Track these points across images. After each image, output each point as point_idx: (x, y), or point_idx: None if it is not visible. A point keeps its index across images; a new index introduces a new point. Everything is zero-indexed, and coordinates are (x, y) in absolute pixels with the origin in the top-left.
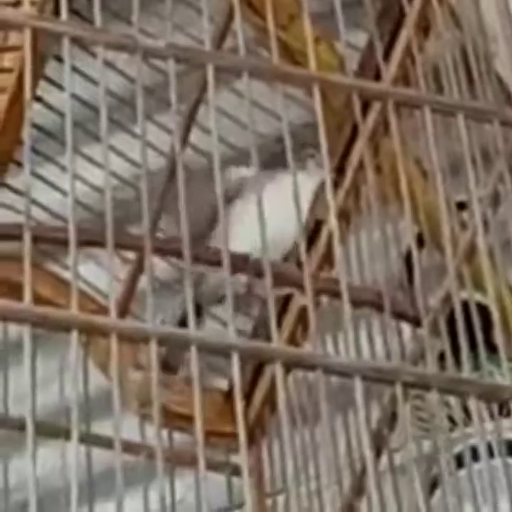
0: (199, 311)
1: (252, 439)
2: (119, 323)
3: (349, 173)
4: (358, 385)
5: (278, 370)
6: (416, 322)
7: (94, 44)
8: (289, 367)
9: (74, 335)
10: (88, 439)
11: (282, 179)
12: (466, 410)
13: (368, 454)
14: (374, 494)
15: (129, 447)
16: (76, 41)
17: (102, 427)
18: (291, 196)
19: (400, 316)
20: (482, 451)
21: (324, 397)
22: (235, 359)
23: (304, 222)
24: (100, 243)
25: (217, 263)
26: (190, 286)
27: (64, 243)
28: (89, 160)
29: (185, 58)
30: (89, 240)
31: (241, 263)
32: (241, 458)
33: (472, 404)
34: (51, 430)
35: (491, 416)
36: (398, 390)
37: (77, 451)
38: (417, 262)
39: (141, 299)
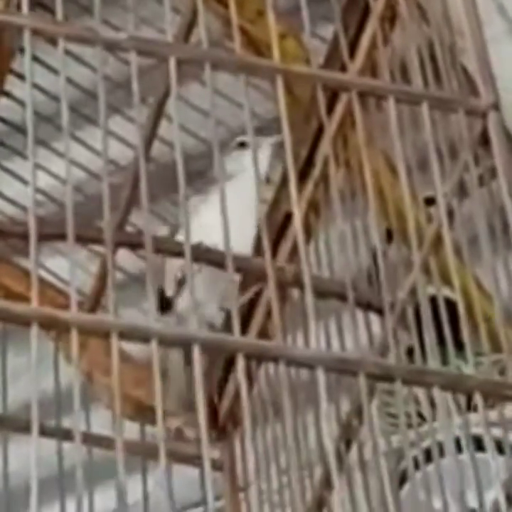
0: (168, 303)
1: (224, 433)
2: (80, 317)
3: (318, 165)
4: (321, 377)
5: (239, 361)
6: (382, 313)
7: (55, 36)
8: (251, 359)
9: (34, 329)
10: (58, 434)
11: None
12: (434, 406)
13: (330, 447)
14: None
15: (101, 441)
16: (37, 34)
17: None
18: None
19: (367, 307)
20: (448, 445)
21: (287, 390)
22: (196, 351)
23: (271, 214)
24: (64, 236)
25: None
26: (151, 278)
27: (25, 237)
28: (59, 153)
29: (147, 51)
30: (53, 234)
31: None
32: (203, 449)
33: (437, 395)
34: (20, 424)
35: (459, 410)
36: (362, 381)
37: (38, 445)
38: (381, 253)
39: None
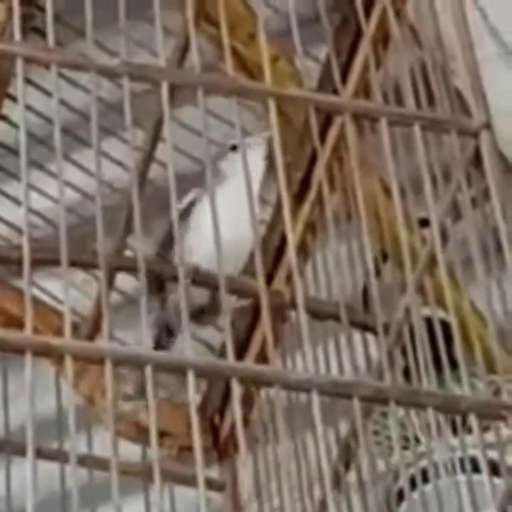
0: (169, 329)
1: (225, 454)
2: (74, 344)
3: (314, 187)
4: (316, 400)
5: (234, 386)
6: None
7: (48, 63)
8: (246, 383)
9: (28, 357)
10: (59, 456)
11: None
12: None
13: (326, 470)
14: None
15: (101, 463)
16: (30, 61)
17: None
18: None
19: (364, 328)
20: (441, 467)
21: (282, 414)
22: (191, 377)
23: (268, 236)
24: (59, 261)
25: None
26: (146, 304)
27: (20, 261)
28: (54, 175)
29: (139, 76)
30: (47, 259)
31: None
32: (197, 470)
33: (431, 416)
34: (20, 448)
35: (455, 432)
36: (356, 403)
37: (34, 468)
38: (374, 274)
39: (115, 317)
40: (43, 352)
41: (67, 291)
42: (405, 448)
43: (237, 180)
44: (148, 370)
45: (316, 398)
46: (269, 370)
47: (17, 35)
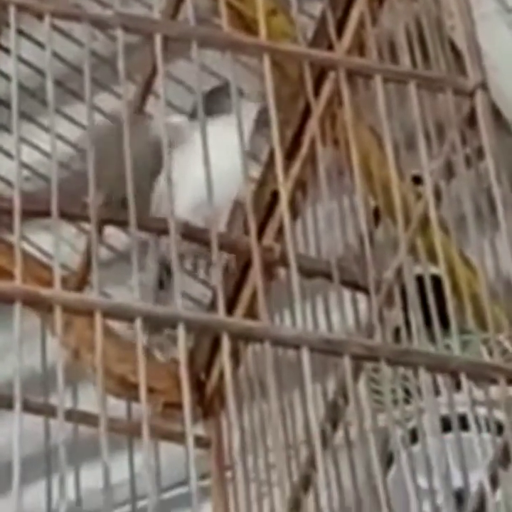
0: (169, 269)
1: (211, 411)
2: (64, 295)
3: (305, 144)
4: (306, 357)
5: (224, 342)
6: (369, 293)
7: (41, 12)
8: (236, 339)
9: (17, 306)
10: (45, 410)
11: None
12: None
13: (315, 430)
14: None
15: (87, 418)
16: (23, 9)
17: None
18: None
19: (354, 286)
20: (436, 425)
21: (272, 370)
22: (181, 330)
23: (258, 193)
24: (49, 213)
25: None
26: (136, 255)
27: (11, 213)
28: (44, 128)
29: (133, 28)
30: (38, 210)
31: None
32: (186, 428)
33: (422, 375)
34: (6, 401)
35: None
36: (346, 361)
37: (21, 422)
38: (367, 233)
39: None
40: (33, 302)
41: (58, 242)
42: (395, 403)
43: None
44: (138, 323)
45: (306, 355)
46: (260, 325)
47: None
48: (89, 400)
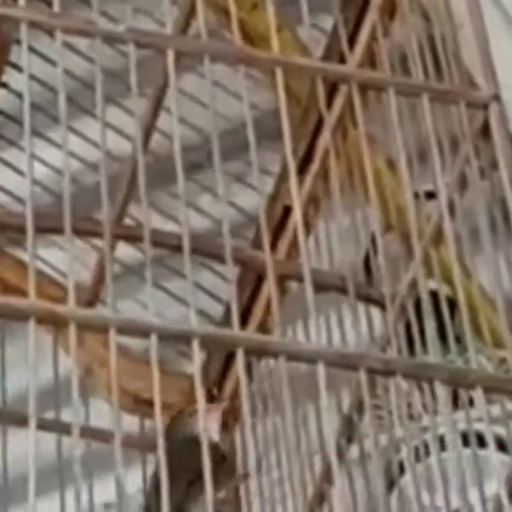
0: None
1: (224, 426)
2: (78, 312)
3: (317, 159)
4: (321, 371)
5: (239, 357)
6: (383, 306)
7: (53, 29)
8: (251, 354)
9: (31, 324)
10: (57, 427)
11: None
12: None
13: (331, 444)
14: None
15: (99, 434)
16: (34, 26)
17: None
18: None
19: (367, 300)
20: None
21: (287, 386)
22: (196, 346)
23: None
24: (62, 230)
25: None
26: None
27: (22, 230)
28: (54, 143)
29: (145, 43)
30: (50, 227)
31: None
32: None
33: (439, 389)
34: (19, 418)
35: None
36: (362, 375)
37: (34, 439)
38: (380, 246)
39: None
40: (47, 319)
41: (71, 259)
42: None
43: None
44: (153, 339)
45: (322, 370)
46: (275, 340)
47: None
48: (99, 415)
